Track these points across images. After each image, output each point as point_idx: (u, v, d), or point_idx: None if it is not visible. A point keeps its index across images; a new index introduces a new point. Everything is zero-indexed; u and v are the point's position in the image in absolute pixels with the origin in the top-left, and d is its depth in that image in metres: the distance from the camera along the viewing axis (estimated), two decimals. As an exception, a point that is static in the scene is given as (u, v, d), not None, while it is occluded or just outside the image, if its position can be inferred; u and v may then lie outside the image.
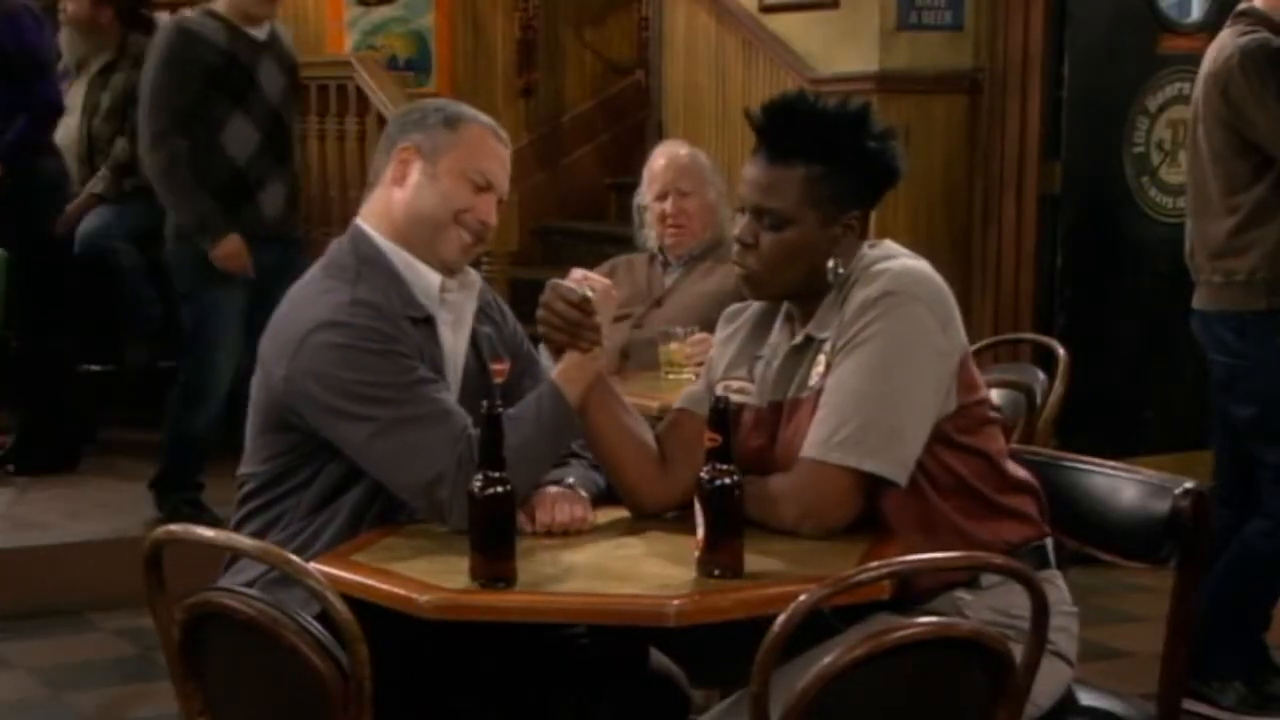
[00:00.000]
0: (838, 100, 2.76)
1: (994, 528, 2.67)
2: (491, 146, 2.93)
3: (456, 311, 2.91)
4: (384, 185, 2.92)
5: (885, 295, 2.60)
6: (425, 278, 2.87)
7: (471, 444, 2.63)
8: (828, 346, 2.66)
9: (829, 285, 2.70)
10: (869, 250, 2.74)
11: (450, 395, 2.80)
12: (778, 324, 2.82)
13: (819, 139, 2.69)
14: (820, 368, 2.67)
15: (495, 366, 2.84)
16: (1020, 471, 2.78)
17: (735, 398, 2.75)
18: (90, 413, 6.89)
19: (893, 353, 2.59)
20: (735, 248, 2.78)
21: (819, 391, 2.65)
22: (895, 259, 2.70)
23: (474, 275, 2.98)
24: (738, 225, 2.77)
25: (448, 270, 2.89)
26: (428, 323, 2.85)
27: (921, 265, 2.70)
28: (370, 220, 2.92)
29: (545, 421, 2.72)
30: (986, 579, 2.64)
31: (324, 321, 2.75)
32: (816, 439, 2.60)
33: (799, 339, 2.73)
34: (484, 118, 2.97)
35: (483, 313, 2.99)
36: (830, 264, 2.68)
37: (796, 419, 2.68)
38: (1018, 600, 2.54)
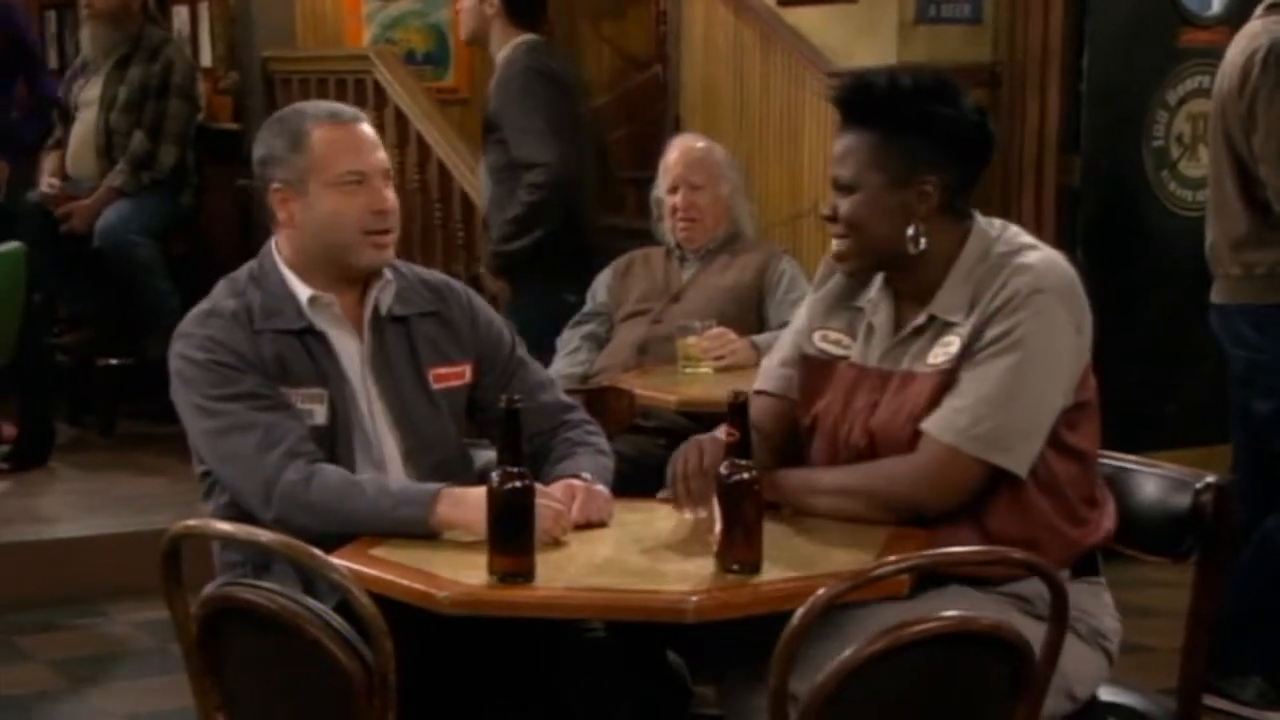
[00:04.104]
0: (916, 72, 2.78)
1: (1084, 531, 2.69)
2: (342, 138, 2.86)
3: (337, 324, 2.87)
4: (280, 229, 2.91)
5: (1036, 293, 2.62)
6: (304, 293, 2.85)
7: (287, 452, 2.69)
8: (963, 330, 2.65)
9: (915, 255, 2.69)
10: (991, 231, 2.76)
11: (282, 409, 2.77)
12: (878, 280, 2.81)
13: (882, 105, 2.71)
14: (952, 349, 2.66)
15: (437, 371, 2.85)
16: (1098, 486, 2.77)
17: (830, 349, 2.80)
18: (109, 407, 6.90)
19: (1039, 356, 2.61)
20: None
21: (946, 373, 2.65)
22: (1035, 249, 2.72)
23: (386, 275, 2.91)
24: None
25: (372, 273, 2.87)
26: (315, 334, 2.84)
27: (1060, 259, 2.73)
28: (284, 254, 2.91)
29: (386, 511, 2.65)
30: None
31: (179, 333, 2.85)
32: (955, 426, 2.60)
33: (921, 319, 2.71)
34: (323, 108, 2.92)
35: (436, 315, 2.95)
36: (910, 231, 2.69)
37: (909, 392, 2.68)
38: (1083, 600, 2.61)
